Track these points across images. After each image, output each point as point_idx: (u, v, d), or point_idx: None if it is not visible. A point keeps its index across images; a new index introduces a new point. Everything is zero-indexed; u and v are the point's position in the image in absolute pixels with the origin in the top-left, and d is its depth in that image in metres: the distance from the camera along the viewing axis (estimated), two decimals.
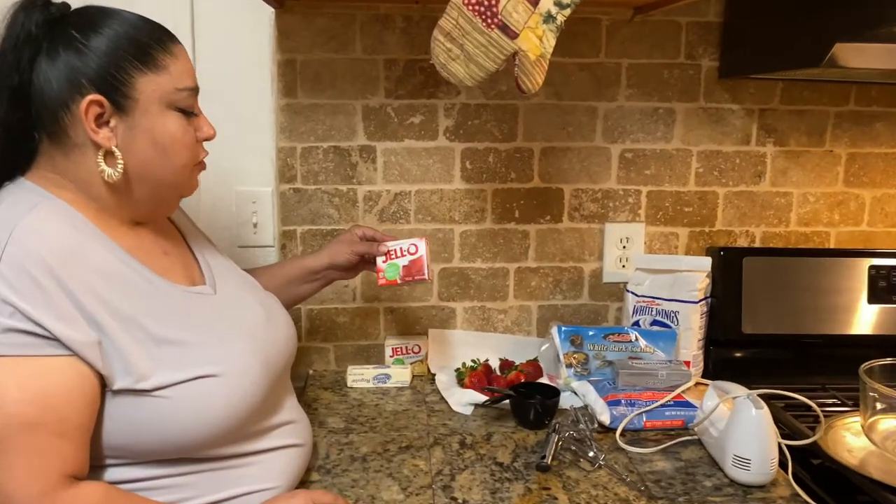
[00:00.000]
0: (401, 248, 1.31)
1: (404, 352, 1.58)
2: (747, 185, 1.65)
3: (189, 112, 0.98)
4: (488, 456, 1.24)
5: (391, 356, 1.59)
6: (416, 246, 1.30)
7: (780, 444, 1.17)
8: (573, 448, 1.25)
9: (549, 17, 1.13)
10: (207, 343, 0.95)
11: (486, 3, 1.11)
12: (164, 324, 0.92)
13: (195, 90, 1.00)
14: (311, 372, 1.63)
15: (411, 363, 1.58)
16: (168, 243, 1.06)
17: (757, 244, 1.67)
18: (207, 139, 1.03)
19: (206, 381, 0.92)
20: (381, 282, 1.31)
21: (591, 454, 1.22)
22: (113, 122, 0.91)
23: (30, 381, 0.81)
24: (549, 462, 1.19)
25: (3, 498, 0.80)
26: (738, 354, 1.57)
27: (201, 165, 1.05)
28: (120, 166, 0.92)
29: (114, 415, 0.89)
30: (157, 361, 0.89)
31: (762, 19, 1.46)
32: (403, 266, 1.29)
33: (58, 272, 0.83)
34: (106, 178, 0.91)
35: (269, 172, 1.56)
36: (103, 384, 0.88)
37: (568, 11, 1.14)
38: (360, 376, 1.54)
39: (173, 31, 0.98)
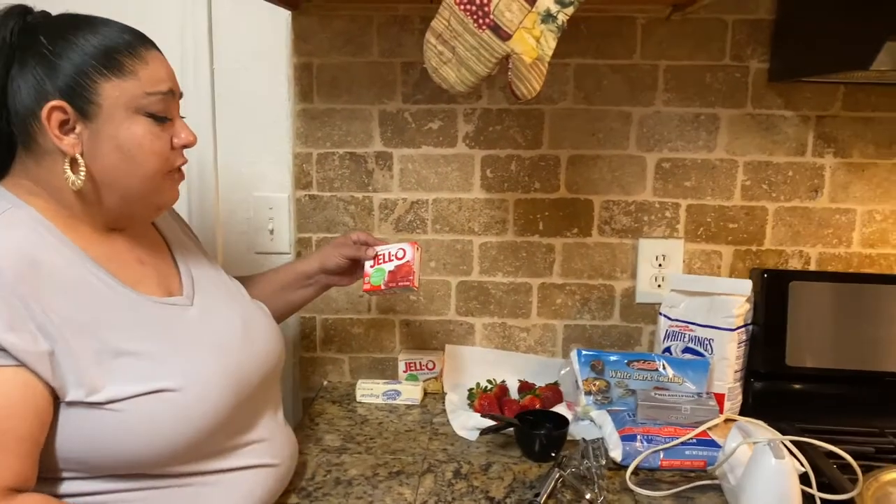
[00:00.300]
0: (388, 253, 1.23)
1: (418, 367, 1.52)
2: (801, 200, 1.48)
3: (161, 117, 0.94)
4: (481, 489, 1.15)
5: (404, 371, 1.52)
6: (403, 250, 1.23)
7: (814, 498, 1.03)
8: (574, 486, 1.15)
9: (548, 17, 1.03)
10: (170, 356, 0.92)
11: (478, 1, 1.03)
12: (126, 335, 0.89)
13: (170, 95, 0.96)
14: (325, 383, 1.59)
15: (425, 380, 1.51)
16: (145, 252, 1.03)
17: (812, 266, 1.50)
18: (185, 146, 0.99)
19: (162, 396, 0.88)
20: (366, 287, 1.23)
21: (588, 496, 1.11)
22: (78, 129, 0.90)
23: None
24: (541, 501, 1.09)
25: None
26: (781, 389, 1.41)
27: (179, 175, 1.01)
28: (82, 173, 0.90)
29: (66, 427, 0.86)
30: (112, 374, 0.86)
31: (819, 15, 1.30)
32: (389, 271, 1.21)
33: (12, 281, 0.82)
34: (70, 185, 0.90)
35: (285, 178, 1.53)
36: (56, 395, 0.85)
37: (571, 10, 1.03)
38: (369, 391, 1.48)
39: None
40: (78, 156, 0.89)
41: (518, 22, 1.02)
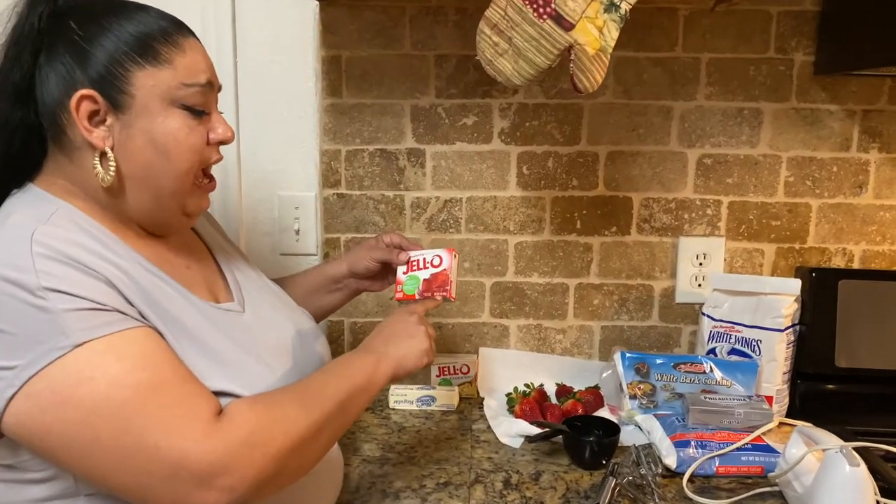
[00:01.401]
0: (423, 259, 1.14)
1: (451, 371, 1.46)
2: (846, 196, 1.44)
3: (198, 111, 0.88)
4: (535, 500, 1.10)
5: (437, 376, 1.47)
6: (440, 257, 1.14)
7: None
8: (632, 495, 1.10)
9: (611, 6, 0.98)
10: (239, 358, 0.87)
11: None
12: (195, 332, 0.84)
13: (208, 87, 0.89)
14: None
15: (459, 385, 1.46)
16: (191, 257, 0.97)
17: (855, 263, 1.46)
18: (223, 142, 0.92)
19: (224, 401, 0.82)
20: (398, 295, 1.14)
21: None
22: (109, 121, 0.83)
23: (126, 351, 0.75)
24: None
25: (177, 458, 0.74)
26: (829, 391, 1.37)
27: (211, 184, 0.95)
28: (112, 169, 0.83)
29: None
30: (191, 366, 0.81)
31: (866, 7, 1.27)
32: (424, 280, 1.13)
33: (94, 268, 0.77)
34: (100, 180, 0.83)
35: (312, 177, 1.47)
36: None
37: None
38: (402, 397, 1.43)
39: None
40: (108, 150, 0.83)
41: (581, 11, 0.97)
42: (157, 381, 0.75)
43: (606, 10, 0.98)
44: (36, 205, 0.83)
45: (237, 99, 1.43)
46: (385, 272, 1.21)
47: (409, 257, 1.16)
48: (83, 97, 0.81)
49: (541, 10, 0.98)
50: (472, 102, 1.42)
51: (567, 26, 0.98)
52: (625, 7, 0.99)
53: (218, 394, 0.81)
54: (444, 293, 1.13)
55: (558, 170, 1.45)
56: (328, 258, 1.48)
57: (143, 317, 0.79)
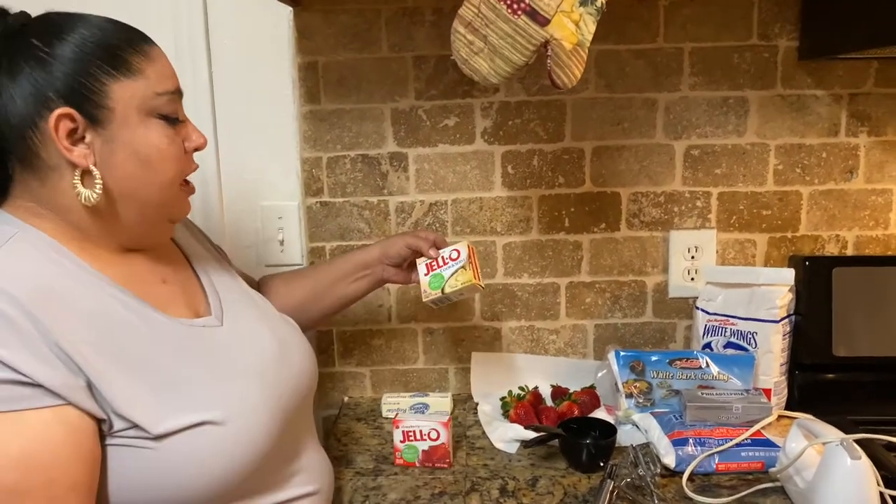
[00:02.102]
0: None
1: (441, 264, 1.16)
2: (836, 182, 1.42)
3: (173, 119, 0.86)
4: None
5: (425, 274, 1.17)
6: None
7: (882, 496, 0.97)
8: (630, 497, 1.08)
9: None
10: (209, 385, 0.84)
11: None
12: (158, 364, 0.81)
13: (177, 93, 0.88)
14: (345, 399, 1.51)
15: (451, 273, 1.15)
16: (167, 269, 0.94)
17: (849, 250, 1.44)
18: (198, 149, 0.91)
19: (205, 429, 0.80)
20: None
21: None
22: (88, 138, 0.80)
23: (9, 442, 0.70)
24: None
25: None
26: (827, 380, 1.35)
27: (190, 187, 0.93)
28: (99, 187, 0.81)
29: (104, 468, 0.78)
30: (148, 406, 0.78)
31: None
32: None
33: (34, 313, 0.73)
34: (83, 201, 0.80)
35: (294, 185, 1.44)
36: (101, 431, 0.77)
37: None
38: (395, 405, 1.40)
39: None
40: (92, 167, 0.80)
41: (556, 6, 0.95)
42: (21, 489, 0.70)
43: (582, 4, 0.96)
44: None
45: (214, 109, 1.40)
46: (412, 266, 1.20)
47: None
48: (62, 116, 0.78)
49: (515, 6, 0.95)
50: (452, 103, 1.40)
51: (542, 21, 0.95)
52: (601, 0, 0.96)
53: (194, 426, 0.79)
54: (444, 465, 1.20)
55: (544, 168, 1.42)
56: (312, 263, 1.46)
57: (77, 366, 0.74)
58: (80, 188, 0.80)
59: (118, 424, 0.76)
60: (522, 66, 0.98)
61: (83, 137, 0.80)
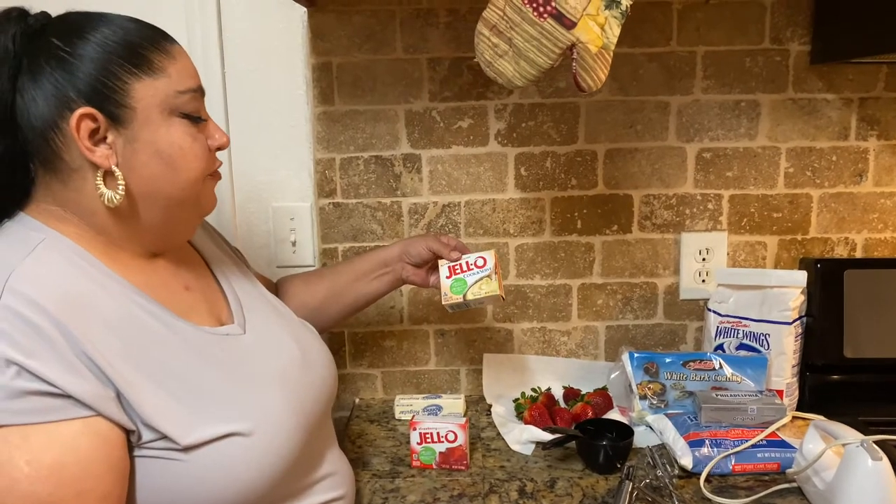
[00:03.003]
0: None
1: (464, 269, 1.16)
2: (846, 185, 1.43)
3: (196, 117, 0.86)
4: None
5: (448, 277, 1.15)
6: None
7: None
8: (650, 498, 1.08)
9: (612, 2, 0.96)
10: (235, 394, 0.83)
11: None
12: (184, 374, 0.81)
13: (199, 92, 0.87)
14: (357, 401, 1.51)
15: (476, 280, 1.14)
16: (190, 276, 0.94)
17: (858, 252, 1.45)
18: (220, 148, 0.91)
19: (233, 441, 0.80)
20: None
21: None
22: (110, 138, 0.80)
23: (41, 454, 0.70)
24: None
25: None
26: (838, 382, 1.36)
27: (216, 176, 0.93)
28: (121, 188, 0.80)
29: (133, 480, 0.78)
30: (176, 417, 0.77)
31: None
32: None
33: (62, 321, 0.72)
34: (106, 202, 0.80)
35: (307, 186, 1.44)
36: (130, 443, 0.77)
37: None
38: (408, 407, 1.40)
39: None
40: (114, 167, 0.79)
41: (582, 9, 0.95)
42: (52, 502, 0.70)
43: (607, 7, 0.96)
44: (21, 236, 0.79)
45: (227, 110, 1.39)
46: (431, 269, 1.20)
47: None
48: (83, 116, 0.77)
49: (541, 8, 0.96)
50: (466, 105, 1.40)
51: (568, 24, 0.96)
52: (626, 3, 0.97)
53: (223, 437, 0.79)
54: (462, 466, 1.20)
55: (557, 170, 1.43)
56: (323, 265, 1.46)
57: (105, 377, 0.73)
58: (103, 189, 0.80)
59: (147, 435, 0.76)
60: (548, 68, 0.98)
61: (105, 138, 0.80)
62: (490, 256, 1.15)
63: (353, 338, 1.49)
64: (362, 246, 1.45)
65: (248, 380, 0.86)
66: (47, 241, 0.79)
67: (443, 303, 1.14)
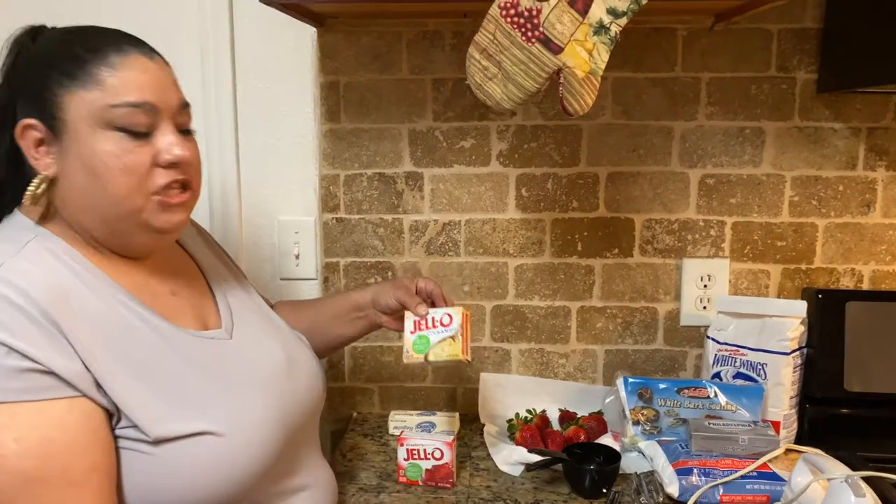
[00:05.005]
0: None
1: (428, 325, 1.10)
2: (853, 215, 1.41)
3: (136, 132, 0.82)
4: None
5: (412, 332, 1.10)
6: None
7: None
8: None
9: (601, 28, 0.97)
10: (212, 396, 0.85)
11: (526, 13, 0.97)
12: (163, 373, 0.83)
13: (145, 106, 0.82)
14: (354, 415, 1.52)
15: (439, 341, 1.09)
16: (179, 282, 0.96)
17: (865, 284, 1.43)
18: (173, 163, 0.84)
19: (203, 440, 0.81)
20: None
21: None
22: (53, 148, 0.83)
23: (29, 432, 0.73)
24: None
25: None
26: (839, 415, 1.33)
27: (182, 198, 0.87)
28: (40, 191, 0.83)
29: None
30: (150, 412, 0.80)
31: (869, 24, 1.25)
32: (427, 470, 1.17)
33: (50, 312, 0.76)
34: (24, 200, 0.83)
35: (311, 201, 1.46)
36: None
37: (624, 21, 0.97)
38: (402, 423, 1.41)
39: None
40: (53, 176, 0.83)
41: (570, 34, 0.96)
42: (39, 476, 0.73)
43: (596, 33, 0.97)
44: (12, 234, 0.84)
45: (237, 125, 1.43)
46: (401, 315, 1.13)
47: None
48: (25, 126, 0.82)
49: (529, 33, 0.97)
50: (469, 125, 1.42)
51: (555, 49, 0.97)
52: (615, 29, 0.98)
53: (194, 434, 0.80)
54: (447, 484, 1.19)
55: (558, 191, 1.43)
56: (337, 285, 1.49)
57: (84, 365, 0.76)
58: (31, 189, 0.82)
59: (122, 421, 0.79)
60: (535, 92, 0.99)
61: (51, 147, 0.83)
62: (457, 314, 1.08)
63: (353, 351, 1.51)
64: (363, 261, 1.47)
65: (228, 382, 0.88)
66: (37, 239, 0.82)
67: (404, 360, 1.09)
